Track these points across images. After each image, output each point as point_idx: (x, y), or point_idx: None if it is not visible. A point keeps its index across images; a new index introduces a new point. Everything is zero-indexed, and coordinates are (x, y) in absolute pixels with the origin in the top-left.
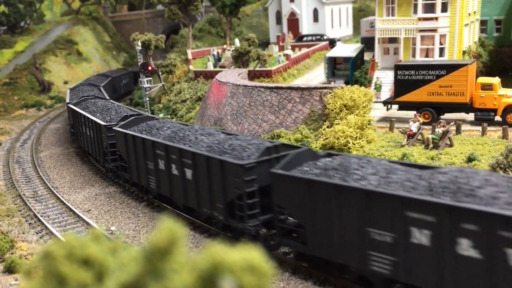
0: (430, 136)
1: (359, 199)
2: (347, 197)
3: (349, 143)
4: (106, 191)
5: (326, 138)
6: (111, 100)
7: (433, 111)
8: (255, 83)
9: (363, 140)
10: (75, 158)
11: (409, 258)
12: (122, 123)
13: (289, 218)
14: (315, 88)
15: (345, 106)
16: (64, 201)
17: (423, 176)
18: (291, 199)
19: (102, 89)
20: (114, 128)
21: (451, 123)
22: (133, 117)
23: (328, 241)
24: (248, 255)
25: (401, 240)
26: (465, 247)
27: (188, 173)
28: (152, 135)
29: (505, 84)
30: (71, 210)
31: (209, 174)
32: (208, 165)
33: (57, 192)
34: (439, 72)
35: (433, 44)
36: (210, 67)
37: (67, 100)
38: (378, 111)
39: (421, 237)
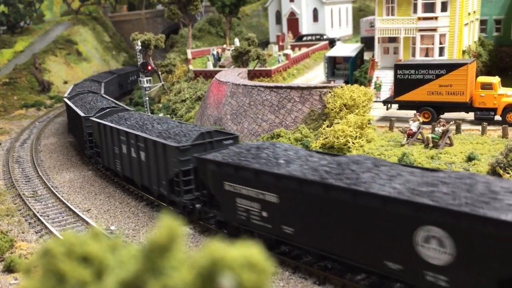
0: (430, 136)
1: (111, 132)
2: (108, 132)
3: (349, 142)
4: (105, 190)
5: (326, 138)
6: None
7: (433, 110)
8: (255, 82)
9: (363, 140)
10: (74, 158)
11: (124, 162)
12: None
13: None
14: (315, 87)
15: (345, 105)
16: (64, 200)
17: (146, 120)
18: (95, 133)
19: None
20: None
21: (451, 123)
22: None
23: (107, 157)
24: (248, 252)
25: (119, 152)
26: (133, 152)
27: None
28: None
29: (504, 84)
30: (70, 209)
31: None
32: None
33: (56, 191)
34: (439, 72)
35: (433, 44)
36: (210, 66)
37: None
38: (378, 110)
39: (124, 149)
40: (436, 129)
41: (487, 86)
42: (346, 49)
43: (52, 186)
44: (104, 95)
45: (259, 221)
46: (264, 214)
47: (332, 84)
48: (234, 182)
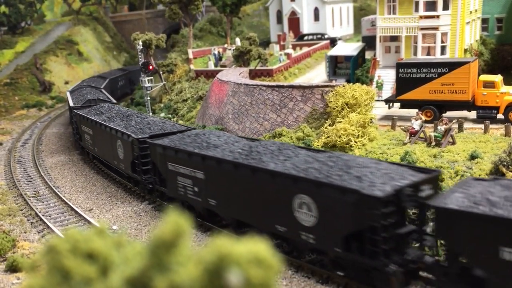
0: (433, 134)
1: (75, 114)
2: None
3: (351, 141)
4: (107, 190)
5: (328, 136)
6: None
7: (435, 109)
8: (257, 82)
9: (365, 138)
10: (76, 158)
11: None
12: None
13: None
14: (317, 86)
15: (346, 104)
16: (66, 200)
17: (87, 93)
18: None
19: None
20: None
21: (453, 121)
22: None
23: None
24: (255, 248)
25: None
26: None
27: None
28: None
29: (506, 82)
30: (72, 209)
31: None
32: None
33: (58, 191)
34: (441, 70)
35: (434, 42)
36: (211, 66)
37: None
38: (380, 109)
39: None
40: (439, 127)
41: (489, 85)
42: (348, 48)
43: (54, 186)
44: (104, 77)
45: (91, 145)
46: (90, 139)
47: (333, 83)
48: (83, 124)
